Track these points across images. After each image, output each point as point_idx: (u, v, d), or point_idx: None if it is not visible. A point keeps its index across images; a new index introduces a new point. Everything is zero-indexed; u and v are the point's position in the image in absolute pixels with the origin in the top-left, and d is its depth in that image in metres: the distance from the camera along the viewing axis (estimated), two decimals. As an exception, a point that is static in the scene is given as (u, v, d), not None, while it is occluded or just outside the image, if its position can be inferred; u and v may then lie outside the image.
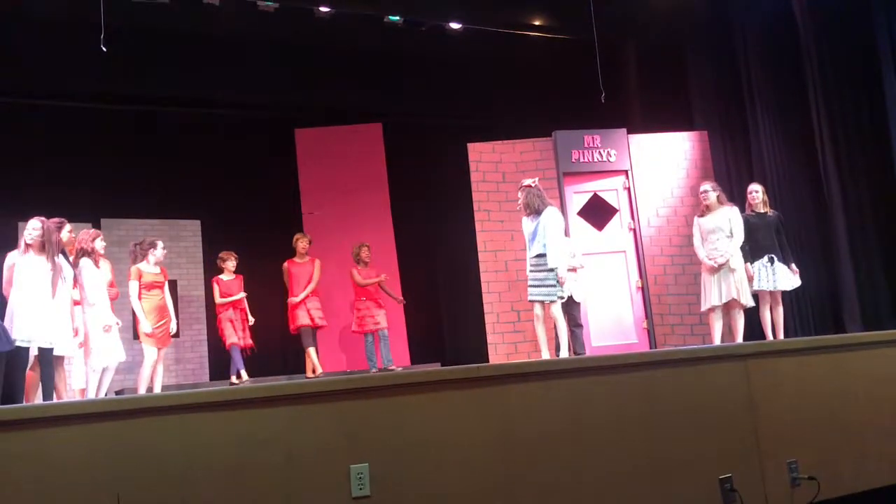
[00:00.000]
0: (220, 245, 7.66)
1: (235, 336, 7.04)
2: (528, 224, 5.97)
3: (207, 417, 3.07)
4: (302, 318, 7.38)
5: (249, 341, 7.13)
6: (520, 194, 6.00)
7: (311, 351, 7.36)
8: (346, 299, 8.10)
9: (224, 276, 7.24)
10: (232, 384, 6.79)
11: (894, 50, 6.71)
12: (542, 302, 5.79)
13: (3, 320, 4.77)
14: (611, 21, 8.06)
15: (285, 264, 7.60)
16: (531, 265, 5.88)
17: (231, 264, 7.25)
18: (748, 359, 4.16)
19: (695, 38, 8.55)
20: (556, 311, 5.81)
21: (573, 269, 6.54)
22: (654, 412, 3.84)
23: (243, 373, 6.99)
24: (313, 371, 7.32)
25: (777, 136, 7.63)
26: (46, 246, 4.98)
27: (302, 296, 7.39)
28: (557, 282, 5.75)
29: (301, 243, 7.61)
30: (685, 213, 7.48)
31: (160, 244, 6.42)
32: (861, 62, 7.11)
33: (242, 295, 7.20)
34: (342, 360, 8.54)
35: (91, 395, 5.45)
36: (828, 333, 6.80)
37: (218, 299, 7.19)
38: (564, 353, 5.84)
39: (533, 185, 5.98)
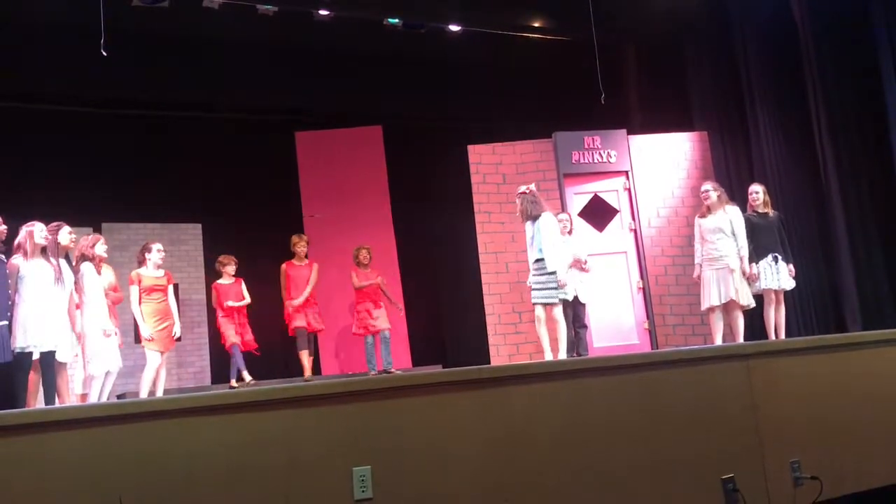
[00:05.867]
0: (220, 248, 7.64)
1: (236, 336, 6.96)
2: (528, 229, 6.06)
3: (209, 421, 3.07)
4: (299, 321, 7.30)
5: (253, 343, 7.08)
6: (517, 201, 6.10)
7: (304, 354, 7.27)
8: (346, 302, 8.10)
9: (223, 281, 7.18)
10: (231, 387, 6.66)
11: (894, 50, 6.72)
12: (544, 305, 5.83)
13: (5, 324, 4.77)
14: (610, 22, 8.06)
15: (283, 266, 7.52)
16: (532, 269, 5.98)
17: (231, 269, 7.19)
18: (750, 359, 4.16)
19: (694, 38, 8.55)
20: (558, 313, 5.86)
21: (582, 263, 6.58)
22: (655, 413, 3.84)
23: (245, 374, 6.82)
24: (303, 374, 7.24)
25: (777, 136, 7.62)
26: (49, 250, 5.00)
27: (301, 299, 7.35)
28: (558, 285, 5.80)
29: (300, 246, 7.53)
30: (686, 213, 7.48)
31: (155, 247, 6.34)
32: (860, 62, 7.11)
33: (245, 302, 7.13)
34: (342, 363, 8.53)
35: (93, 400, 5.44)
36: (829, 333, 6.79)
37: (216, 304, 7.14)
38: (564, 354, 5.86)
39: (528, 191, 6.07)
